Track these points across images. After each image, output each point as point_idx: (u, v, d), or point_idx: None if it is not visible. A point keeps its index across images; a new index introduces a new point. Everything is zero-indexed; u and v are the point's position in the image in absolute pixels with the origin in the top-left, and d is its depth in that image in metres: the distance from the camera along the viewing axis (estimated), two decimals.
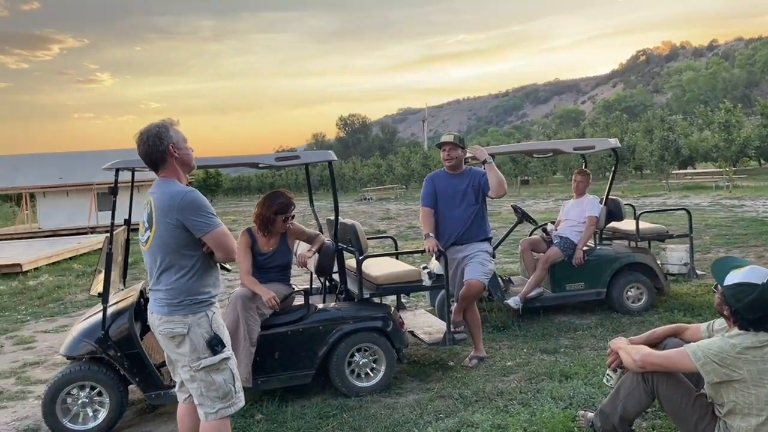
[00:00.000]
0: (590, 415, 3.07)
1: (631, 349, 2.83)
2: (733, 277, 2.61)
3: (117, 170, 3.84)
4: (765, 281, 2.55)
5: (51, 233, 21.57)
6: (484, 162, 4.62)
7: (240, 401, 2.79)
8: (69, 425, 3.73)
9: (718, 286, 2.68)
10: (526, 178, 37.62)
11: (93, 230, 21.75)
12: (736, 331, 2.61)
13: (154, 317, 2.74)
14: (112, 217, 3.86)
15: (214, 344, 2.68)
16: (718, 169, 24.67)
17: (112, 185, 3.83)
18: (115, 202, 3.82)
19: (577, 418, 3.19)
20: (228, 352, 2.73)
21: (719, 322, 2.88)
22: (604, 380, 3.08)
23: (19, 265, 11.83)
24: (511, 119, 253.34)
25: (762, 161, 37.47)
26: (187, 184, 2.76)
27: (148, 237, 2.70)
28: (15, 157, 27.32)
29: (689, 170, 31.49)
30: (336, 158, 4.39)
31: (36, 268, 12.32)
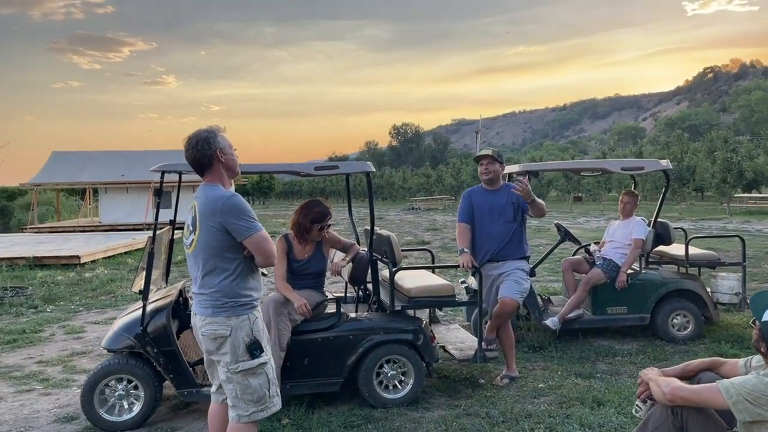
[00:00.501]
0: None
1: (661, 381, 2.72)
2: None
3: (163, 173, 3.99)
4: None
5: (110, 228, 22.57)
6: (531, 201, 4.54)
7: (274, 406, 2.83)
8: (105, 416, 3.89)
9: (756, 321, 2.56)
10: (579, 194, 36.75)
11: (150, 227, 22.65)
12: None
13: (197, 318, 2.81)
14: (156, 218, 4.02)
15: (254, 348, 2.74)
16: None
17: (162, 185, 3.97)
18: (159, 203, 3.97)
19: None
20: (266, 357, 2.79)
21: (757, 359, 2.74)
22: (633, 411, 2.98)
23: (77, 257, 12.43)
24: (567, 134, 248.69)
25: None
26: (237, 189, 2.85)
27: (192, 240, 2.79)
28: (81, 153, 28.70)
29: (753, 194, 30.07)
30: (374, 169, 4.43)
31: (93, 261, 12.92)
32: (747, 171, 24.02)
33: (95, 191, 28.43)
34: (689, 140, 33.54)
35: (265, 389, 2.78)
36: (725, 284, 5.95)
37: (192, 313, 2.86)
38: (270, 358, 2.84)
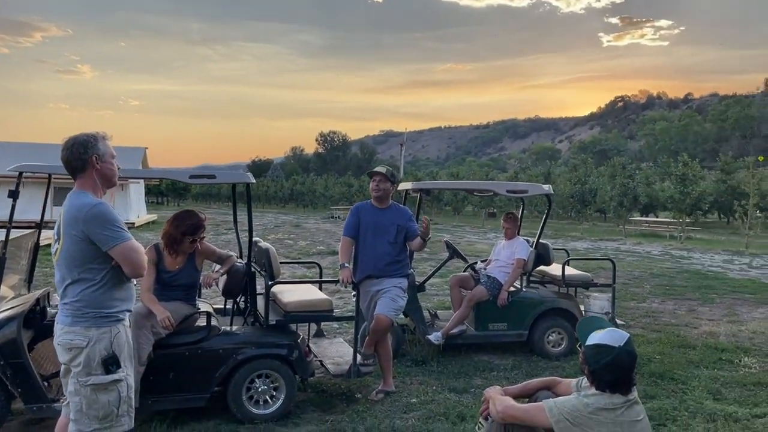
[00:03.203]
0: None
1: (497, 400, 2.86)
2: (594, 338, 2.67)
3: (20, 173, 3.77)
4: (621, 344, 2.62)
5: (1, 224, 21.00)
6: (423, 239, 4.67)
7: (121, 426, 2.71)
8: None
9: (581, 345, 2.74)
10: (492, 210, 38.00)
11: (47, 224, 21.27)
12: (593, 390, 2.66)
13: (57, 327, 2.70)
14: (10, 221, 3.78)
15: (110, 363, 2.65)
16: (673, 220, 25.32)
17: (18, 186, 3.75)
18: (14, 206, 3.74)
19: None
20: (122, 374, 2.69)
21: (587, 380, 2.93)
22: (476, 428, 3.10)
23: None
24: (489, 151, 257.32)
25: (720, 215, 38.58)
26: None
27: (56, 249, 2.68)
28: None
29: (646, 218, 32.28)
30: (254, 180, 4.39)
31: None
32: (641, 196, 25.77)
33: None
34: (595, 164, 35.63)
35: (114, 407, 2.68)
36: (597, 303, 6.31)
37: (55, 322, 2.74)
38: (128, 376, 2.74)
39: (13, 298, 4.24)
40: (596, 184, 28.04)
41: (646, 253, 18.18)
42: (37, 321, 4.10)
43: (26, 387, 3.70)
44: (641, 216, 34.50)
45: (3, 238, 3.82)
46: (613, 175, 27.71)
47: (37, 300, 4.14)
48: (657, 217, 35.72)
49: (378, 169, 4.89)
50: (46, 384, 3.84)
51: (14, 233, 3.88)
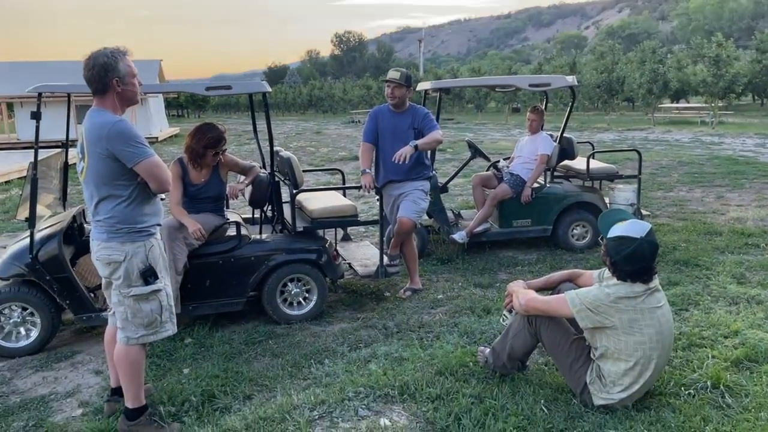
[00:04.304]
0: (487, 351, 3.24)
1: (520, 293, 2.95)
2: (616, 230, 2.70)
3: (40, 94, 3.78)
4: (643, 235, 2.64)
5: (29, 144, 21.37)
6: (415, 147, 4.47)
7: (166, 331, 2.89)
8: (1, 342, 3.89)
9: (603, 238, 2.77)
10: (516, 105, 37.11)
11: (72, 143, 21.55)
12: (614, 281, 2.72)
13: (93, 243, 2.81)
14: (36, 142, 3.85)
15: (148, 275, 2.77)
16: (705, 105, 24.44)
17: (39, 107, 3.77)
18: (38, 127, 3.79)
19: (477, 353, 3.36)
20: (160, 284, 2.82)
21: (608, 271, 2.99)
22: (501, 320, 3.23)
23: None
24: (512, 42, 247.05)
25: (755, 97, 37.04)
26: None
27: (83, 168, 2.73)
28: None
29: (676, 105, 31.18)
30: (270, 89, 4.33)
31: (7, 182, 12.32)
32: (672, 82, 24.72)
33: (9, 106, 26.61)
34: (624, 50, 34.00)
35: (157, 315, 2.83)
36: (622, 195, 6.29)
37: (90, 239, 2.84)
38: (166, 285, 2.87)
39: (50, 216, 4.40)
40: (624, 72, 26.90)
41: (676, 141, 17.78)
42: (75, 237, 4.27)
43: (73, 299, 3.93)
44: (671, 103, 33.32)
45: (32, 159, 3.89)
46: (643, 60, 26.47)
47: (74, 217, 4.29)
48: (688, 102, 34.48)
49: (391, 75, 4.72)
50: (92, 295, 4.07)
51: (42, 153, 3.95)
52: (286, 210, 4.77)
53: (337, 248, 4.95)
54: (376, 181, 4.77)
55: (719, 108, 23.41)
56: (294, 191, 4.47)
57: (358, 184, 4.68)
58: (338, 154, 16.77)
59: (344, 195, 5.27)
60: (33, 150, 3.90)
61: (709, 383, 3.05)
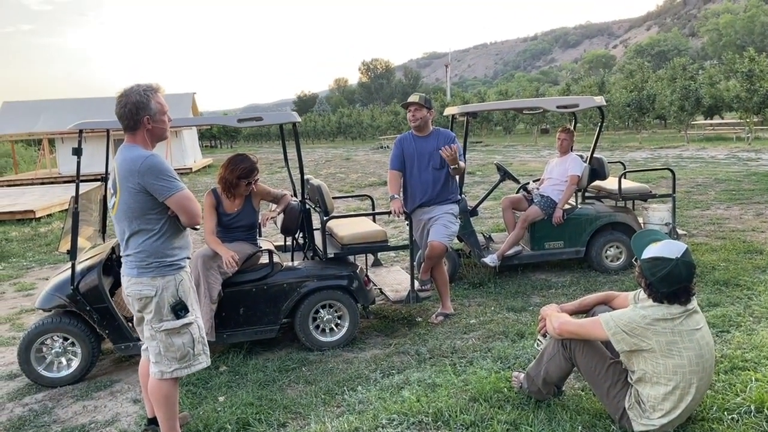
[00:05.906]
0: (522, 376, 3.19)
1: (553, 317, 2.91)
2: (650, 251, 2.65)
3: (81, 131, 3.95)
4: (678, 256, 2.59)
5: (70, 179, 22.12)
6: (454, 167, 4.62)
7: (200, 363, 2.91)
8: (44, 372, 3.99)
9: (637, 259, 2.73)
10: (545, 127, 36.90)
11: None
12: (649, 302, 2.67)
13: (124, 279, 2.84)
14: (78, 176, 4.00)
15: (178, 309, 2.80)
16: (740, 121, 23.91)
17: (80, 143, 3.93)
18: (79, 162, 3.94)
19: (512, 379, 3.31)
20: (191, 317, 2.84)
21: (643, 293, 2.94)
22: (535, 345, 3.19)
23: (32, 212, 12.24)
24: (539, 64, 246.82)
25: None
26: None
27: (114, 203, 2.79)
28: (34, 102, 27.63)
29: (710, 121, 30.56)
30: (299, 119, 4.43)
31: (49, 215, 12.74)
32: (704, 98, 24.31)
33: (51, 142, 27.64)
34: (653, 68, 33.64)
35: (189, 348, 2.85)
36: (656, 215, 6.18)
37: (121, 275, 2.88)
38: (197, 318, 2.90)
39: (90, 248, 4.54)
40: (655, 89, 26.56)
41: (711, 158, 17.41)
42: (114, 268, 4.40)
43: (112, 328, 4.03)
44: (705, 119, 32.70)
45: (73, 194, 4.04)
46: (674, 77, 26.18)
47: (113, 248, 4.41)
48: (722, 119, 33.79)
49: (411, 98, 4.81)
50: (130, 325, 4.16)
51: (82, 187, 4.10)
52: (317, 237, 4.82)
53: (368, 274, 4.97)
54: (404, 206, 4.80)
55: (755, 123, 22.88)
56: (324, 218, 4.53)
57: (388, 210, 4.71)
58: (368, 179, 16.90)
59: (374, 220, 5.31)
60: (74, 184, 4.04)
61: (753, 407, 2.94)
